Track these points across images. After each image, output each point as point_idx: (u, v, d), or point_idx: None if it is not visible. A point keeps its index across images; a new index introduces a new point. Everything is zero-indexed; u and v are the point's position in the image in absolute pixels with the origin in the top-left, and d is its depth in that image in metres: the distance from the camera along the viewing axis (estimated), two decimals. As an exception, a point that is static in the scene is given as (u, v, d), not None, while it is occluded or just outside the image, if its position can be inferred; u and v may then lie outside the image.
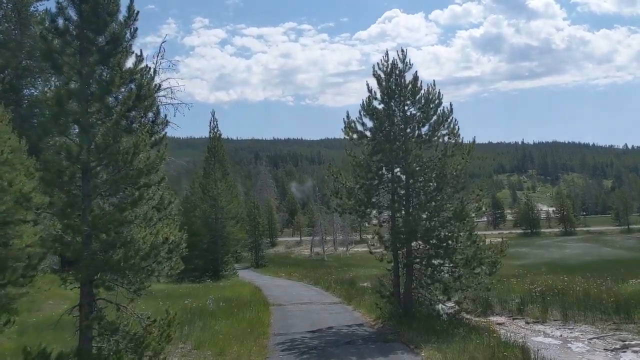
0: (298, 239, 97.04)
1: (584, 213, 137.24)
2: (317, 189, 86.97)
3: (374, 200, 14.06)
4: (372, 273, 40.63)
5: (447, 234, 12.91)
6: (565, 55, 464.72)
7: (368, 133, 14.10)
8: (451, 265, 13.20)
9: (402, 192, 13.95)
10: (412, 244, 13.67)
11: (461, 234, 12.94)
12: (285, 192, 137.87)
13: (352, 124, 14.10)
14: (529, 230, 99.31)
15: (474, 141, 13.58)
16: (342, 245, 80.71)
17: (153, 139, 9.08)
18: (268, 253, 70.22)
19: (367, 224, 62.08)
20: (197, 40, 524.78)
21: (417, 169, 13.25)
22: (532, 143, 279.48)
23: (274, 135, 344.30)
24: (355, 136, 14.14)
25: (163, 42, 31.85)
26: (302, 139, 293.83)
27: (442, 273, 13.30)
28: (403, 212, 13.88)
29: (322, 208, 74.33)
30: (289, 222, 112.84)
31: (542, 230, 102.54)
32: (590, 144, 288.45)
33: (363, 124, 14.14)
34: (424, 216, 12.76)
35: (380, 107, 14.08)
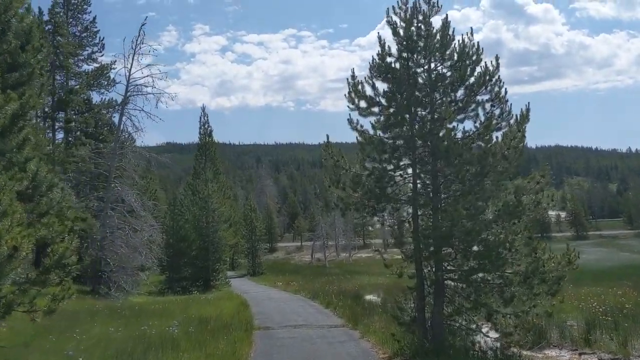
0: (299, 244, 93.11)
1: (591, 217, 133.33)
2: (317, 191, 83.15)
3: (388, 191, 10.20)
4: (378, 282, 36.89)
5: (496, 238, 9.04)
6: (565, 60, 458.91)
7: (381, 99, 10.25)
8: (500, 282, 9.35)
9: (429, 179, 10.11)
10: (444, 252, 9.80)
11: (516, 237, 9.09)
12: (286, 195, 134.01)
13: (359, 87, 10.24)
14: (539, 235, 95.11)
15: (528, 109, 9.75)
16: (344, 250, 76.88)
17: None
18: (267, 259, 66.50)
19: (373, 226, 58.83)
20: (198, 47, 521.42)
21: (452, 146, 9.38)
22: (534, 147, 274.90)
23: (276, 140, 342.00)
24: (363, 103, 10.29)
25: (143, 25, 27.89)
26: (303, 143, 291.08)
27: (487, 293, 9.44)
28: (430, 209, 10.05)
29: (322, 210, 70.46)
30: (290, 226, 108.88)
31: (553, 234, 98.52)
32: (594, 147, 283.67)
33: (374, 87, 10.28)
34: (464, 212, 8.89)
35: (397, 65, 10.26)
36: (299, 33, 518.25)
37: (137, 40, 28.81)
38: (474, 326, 10.23)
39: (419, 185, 10.27)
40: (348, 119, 10.41)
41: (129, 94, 29.22)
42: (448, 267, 9.94)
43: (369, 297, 26.44)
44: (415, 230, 10.11)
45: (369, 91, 10.25)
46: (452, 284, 10.03)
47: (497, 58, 9.84)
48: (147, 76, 28.78)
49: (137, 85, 29.05)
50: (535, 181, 9.38)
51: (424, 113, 10.19)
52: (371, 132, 10.32)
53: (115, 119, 33.06)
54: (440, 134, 9.63)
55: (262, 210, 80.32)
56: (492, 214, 9.19)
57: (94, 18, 38.83)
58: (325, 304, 20.61)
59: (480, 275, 9.37)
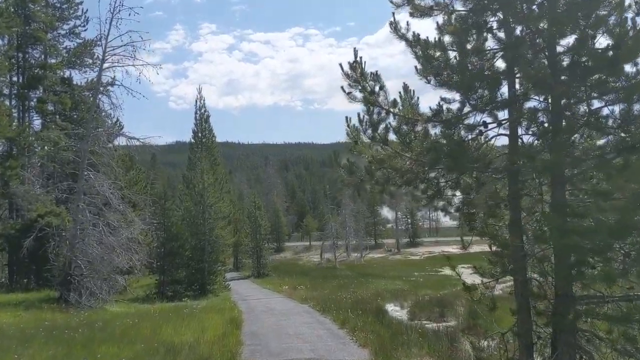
0: (307, 243, 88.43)
1: None
2: (327, 188, 78.68)
3: (467, 150, 5.52)
4: (396, 287, 32.17)
5: None
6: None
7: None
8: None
9: (543, 125, 5.39)
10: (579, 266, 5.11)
11: None
12: (294, 194, 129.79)
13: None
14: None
15: None
16: (355, 250, 72.10)
17: None
18: (274, 259, 62.02)
19: (384, 226, 54.80)
20: (205, 46, 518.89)
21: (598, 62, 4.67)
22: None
23: (285, 139, 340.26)
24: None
25: (122, -17, 23.12)
26: (312, 142, 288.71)
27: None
28: (548, 181, 5.38)
29: (332, 208, 65.94)
30: (298, 225, 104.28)
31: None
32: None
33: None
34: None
35: None
36: (306, 31, 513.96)
37: (115, 1, 24.24)
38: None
39: (523, 138, 5.59)
40: (390, 22, 5.71)
41: (105, 65, 24.72)
42: (583, 298, 5.25)
43: (390, 307, 21.83)
44: (515, 222, 5.42)
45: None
46: (595, 323, 5.36)
47: None
48: (126, 44, 24.21)
49: (115, 55, 24.52)
50: None
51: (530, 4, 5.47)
52: (433, 42, 5.61)
53: (102, 103, 28.44)
54: (577, 32, 4.91)
55: (269, 208, 76.01)
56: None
57: (76, -15, 34.40)
58: (339, 321, 15.94)
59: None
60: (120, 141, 29.11)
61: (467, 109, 5.44)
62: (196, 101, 39.47)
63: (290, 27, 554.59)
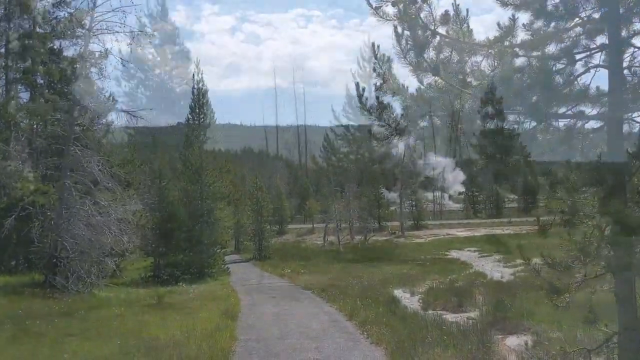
0: (310, 226, 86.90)
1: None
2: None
3: (557, 82, 3.77)
4: (402, 271, 30.68)
5: None
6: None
7: None
8: None
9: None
10: None
11: None
12: (297, 176, 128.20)
13: None
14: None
15: None
16: (359, 233, 70.57)
17: None
18: (276, 242, 60.50)
19: (387, 209, 52.68)
20: (207, 27, 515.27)
21: None
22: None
23: (288, 122, 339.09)
24: None
25: None
26: (316, 125, 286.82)
27: None
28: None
29: (336, 191, 64.22)
30: (301, 208, 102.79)
31: None
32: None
33: None
34: None
35: None
36: (309, 12, 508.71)
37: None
38: None
39: (625, 73, 3.83)
40: None
41: (93, 32, 22.91)
42: None
43: (398, 293, 20.27)
44: (619, 192, 3.69)
45: None
46: None
47: None
48: (116, 9, 22.32)
49: (103, 21, 22.70)
50: None
51: None
52: None
53: (92, 74, 26.57)
54: None
55: (272, 191, 74.35)
56: None
57: (67, -53, 32.27)
58: (347, 312, 14.29)
59: None
60: (114, 117, 27.41)
61: (554, 24, 3.70)
62: (193, 75, 37.54)
63: (293, 9, 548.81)
